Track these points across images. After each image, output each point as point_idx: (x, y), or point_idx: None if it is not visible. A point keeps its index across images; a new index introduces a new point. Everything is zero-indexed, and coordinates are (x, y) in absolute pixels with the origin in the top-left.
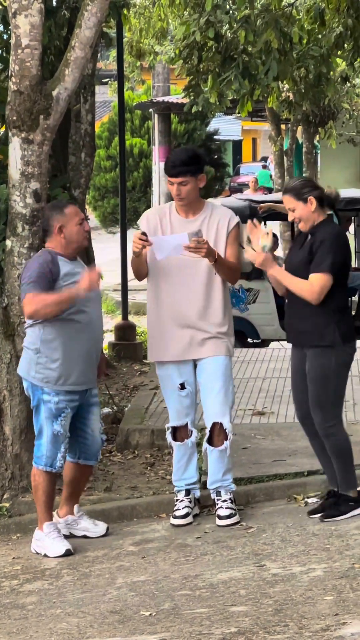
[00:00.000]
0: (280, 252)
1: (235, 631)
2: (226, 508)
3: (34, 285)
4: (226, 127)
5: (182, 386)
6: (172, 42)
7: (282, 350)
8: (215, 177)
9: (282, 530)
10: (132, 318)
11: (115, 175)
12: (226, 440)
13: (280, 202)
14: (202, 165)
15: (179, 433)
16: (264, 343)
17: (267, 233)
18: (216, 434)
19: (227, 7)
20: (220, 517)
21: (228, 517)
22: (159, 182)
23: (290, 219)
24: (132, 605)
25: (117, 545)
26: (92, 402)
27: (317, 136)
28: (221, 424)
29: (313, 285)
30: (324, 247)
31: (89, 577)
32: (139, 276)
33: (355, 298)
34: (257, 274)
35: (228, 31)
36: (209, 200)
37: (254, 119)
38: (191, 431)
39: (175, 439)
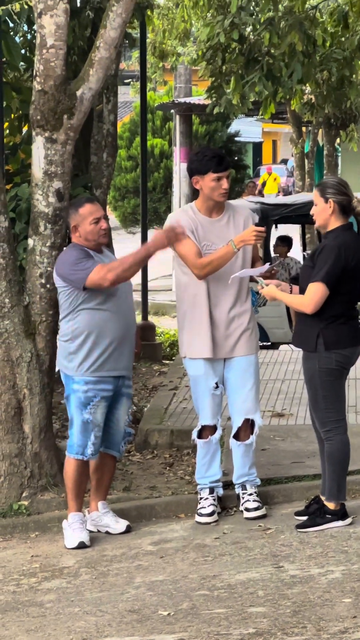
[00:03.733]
0: (296, 253)
1: (254, 632)
2: (253, 501)
3: (87, 263)
4: (247, 129)
5: (216, 385)
6: (194, 44)
7: (300, 352)
8: (235, 178)
9: (300, 532)
10: (151, 318)
11: (136, 176)
12: (252, 434)
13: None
14: None
15: (204, 431)
16: (274, 346)
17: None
18: (243, 429)
19: (252, 9)
20: (247, 510)
21: (256, 509)
22: (180, 182)
23: (311, 211)
24: (150, 605)
25: (136, 544)
26: (123, 393)
27: (338, 139)
28: (253, 421)
29: (306, 297)
30: (322, 255)
31: (107, 576)
32: (208, 275)
33: None
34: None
35: (252, 33)
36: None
37: (275, 121)
38: (216, 429)
39: (200, 436)
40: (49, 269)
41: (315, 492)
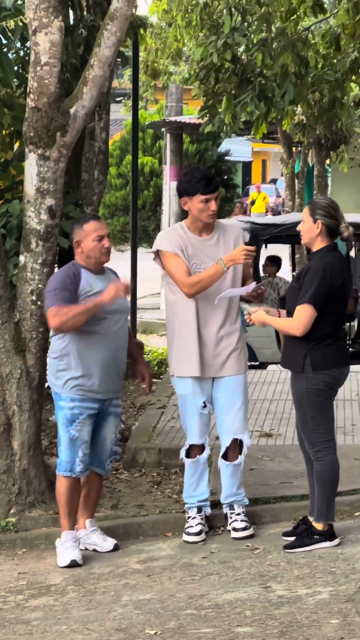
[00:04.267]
0: (285, 273)
1: None
2: (241, 521)
3: (55, 297)
4: (237, 148)
5: (204, 404)
6: (186, 63)
7: (288, 373)
8: (225, 197)
9: (287, 552)
10: (139, 337)
11: (126, 194)
12: (240, 454)
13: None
14: None
15: (192, 450)
16: (262, 366)
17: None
18: (232, 449)
19: (245, 29)
20: (235, 530)
21: (244, 529)
22: (170, 201)
23: (298, 227)
24: (138, 624)
25: (123, 562)
26: (111, 412)
27: (329, 160)
28: (241, 440)
29: (293, 320)
30: (308, 277)
31: (94, 594)
32: (197, 293)
33: (354, 323)
34: None
35: (244, 54)
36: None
37: (266, 140)
38: (204, 448)
39: (188, 456)
40: (40, 285)
41: (303, 513)
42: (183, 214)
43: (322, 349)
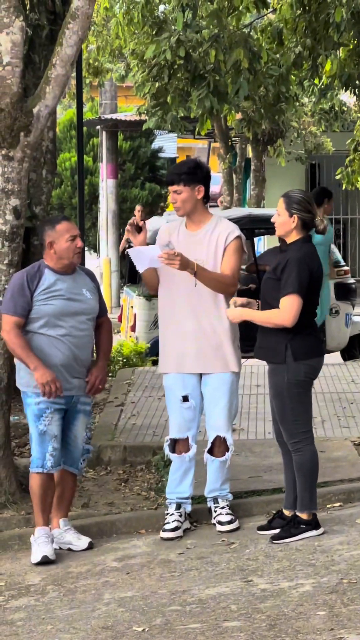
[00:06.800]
0: None
1: None
2: (226, 514)
3: (7, 305)
4: (165, 144)
5: (185, 399)
6: (121, 61)
7: (248, 367)
8: (160, 194)
9: (264, 546)
10: None
11: (61, 192)
12: (227, 452)
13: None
14: (200, 177)
15: (177, 446)
16: None
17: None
18: (217, 445)
19: (197, 26)
20: (221, 523)
21: (229, 522)
22: (106, 199)
23: (273, 219)
24: (123, 621)
25: (100, 561)
26: (79, 409)
27: (265, 154)
28: (224, 438)
29: (282, 311)
30: (288, 268)
31: (75, 593)
32: (151, 288)
33: None
34: None
35: (191, 50)
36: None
37: (197, 136)
38: (191, 446)
39: (173, 451)
40: (6, 287)
41: (275, 506)
42: (120, 211)
43: (303, 338)
